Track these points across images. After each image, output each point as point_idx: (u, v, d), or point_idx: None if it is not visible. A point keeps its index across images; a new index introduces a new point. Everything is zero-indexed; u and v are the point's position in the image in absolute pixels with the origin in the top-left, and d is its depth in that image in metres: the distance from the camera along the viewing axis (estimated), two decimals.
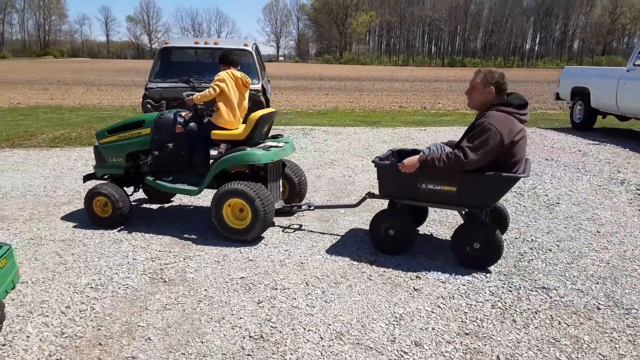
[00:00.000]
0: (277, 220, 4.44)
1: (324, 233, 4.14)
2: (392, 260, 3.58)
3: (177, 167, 4.35)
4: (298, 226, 4.34)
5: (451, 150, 3.34)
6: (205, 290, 3.14)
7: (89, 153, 7.48)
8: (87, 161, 6.96)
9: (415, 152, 3.77)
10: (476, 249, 3.38)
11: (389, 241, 3.65)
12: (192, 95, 4.28)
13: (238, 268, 3.46)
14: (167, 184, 4.28)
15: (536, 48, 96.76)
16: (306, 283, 3.23)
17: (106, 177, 4.56)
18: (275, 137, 4.64)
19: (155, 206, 4.94)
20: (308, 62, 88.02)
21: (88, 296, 3.04)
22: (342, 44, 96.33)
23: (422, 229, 4.26)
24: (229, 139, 4.25)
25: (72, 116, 12.22)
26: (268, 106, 8.40)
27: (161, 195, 4.96)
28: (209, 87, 4.25)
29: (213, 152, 4.48)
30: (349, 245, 3.88)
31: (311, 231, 4.20)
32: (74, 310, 2.87)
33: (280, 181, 4.47)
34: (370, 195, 3.87)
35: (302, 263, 3.55)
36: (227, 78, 4.24)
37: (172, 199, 5.09)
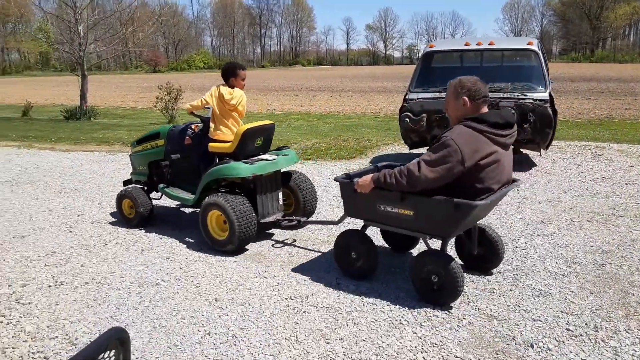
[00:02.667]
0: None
1: None
2: None
3: (188, 177, 4.49)
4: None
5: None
6: None
7: (341, 169, 6.86)
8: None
9: None
10: (434, 283, 2.92)
11: (351, 264, 3.34)
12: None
13: None
14: (171, 192, 4.43)
15: None
16: None
17: (140, 182, 4.83)
18: (279, 148, 4.52)
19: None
20: (552, 61, 78.66)
21: None
22: (594, 40, 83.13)
23: None
24: (220, 152, 4.24)
25: (320, 124, 12.31)
26: (555, 120, 6.51)
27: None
28: None
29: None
30: None
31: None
32: None
33: (280, 193, 4.32)
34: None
35: None
36: (213, 93, 4.26)
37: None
